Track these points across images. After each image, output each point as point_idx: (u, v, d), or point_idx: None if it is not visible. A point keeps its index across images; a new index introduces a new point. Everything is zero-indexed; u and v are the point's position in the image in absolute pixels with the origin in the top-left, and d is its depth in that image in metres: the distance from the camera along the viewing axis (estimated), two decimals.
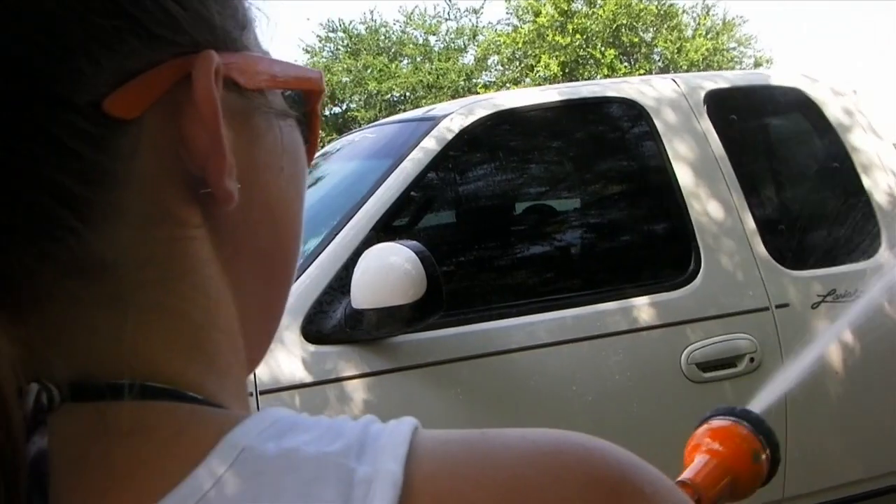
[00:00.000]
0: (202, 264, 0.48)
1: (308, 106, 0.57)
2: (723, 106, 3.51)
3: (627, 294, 3.11)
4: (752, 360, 3.08)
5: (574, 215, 3.60)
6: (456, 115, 3.21)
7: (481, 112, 3.24)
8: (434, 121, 3.22)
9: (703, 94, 3.48)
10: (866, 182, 3.49)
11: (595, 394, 2.94)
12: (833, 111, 3.59)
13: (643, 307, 3.07)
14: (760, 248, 3.24)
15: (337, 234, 2.87)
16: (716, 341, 3.07)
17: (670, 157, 3.29)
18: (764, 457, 0.99)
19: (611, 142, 3.59)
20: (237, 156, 0.49)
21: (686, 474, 1.01)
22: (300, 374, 2.67)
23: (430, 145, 3.10)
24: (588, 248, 3.47)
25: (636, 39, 26.12)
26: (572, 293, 3.14)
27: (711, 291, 3.14)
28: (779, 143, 3.97)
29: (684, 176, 3.28)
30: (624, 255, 3.40)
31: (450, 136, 3.13)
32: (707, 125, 3.39)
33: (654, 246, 3.40)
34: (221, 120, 0.47)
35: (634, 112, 3.41)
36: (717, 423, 1.00)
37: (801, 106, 3.65)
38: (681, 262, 3.21)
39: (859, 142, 3.56)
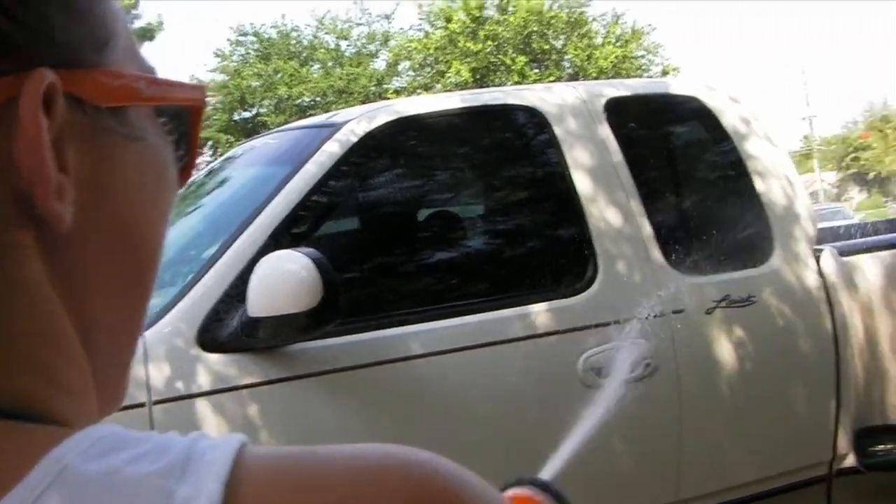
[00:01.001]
0: (33, 286, 0.47)
1: (186, 123, 0.55)
2: (622, 113, 3.55)
3: (527, 300, 3.12)
4: (647, 365, 3.12)
5: (476, 222, 3.61)
6: (358, 121, 3.19)
7: (384, 118, 3.22)
8: (336, 127, 3.20)
9: (603, 101, 3.51)
10: (760, 188, 3.56)
11: (494, 400, 2.95)
12: (730, 119, 3.67)
13: (542, 313, 3.09)
14: (657, 254, 3.29)
15: (234, 241, 2.83)
16: (612, 347, 3.10)
17: (570, 164, 3.31)
18: None
19: (512, 149, 3.61)
20: (81, 176, 0.47)
21: None
22: (195, 383, 2.62)
23: (332, 151, 3.07)
24: (489, 255, 3.48)
25: (547, 46, 26.46)
26: (472, 300, 3.14)
27: (608, 297, 3.17)
28: (677, 150, 4.04)
29: (583, 183, 3.30)
30: (524, 261, 3.41)
31: (352, 142, 3.10)
32: (607, 132, 3.42)
33: (554, 252, 3.41)
34: (46, 142, 0.45)
35: (535, 119, 3.42)
36: (510, 493, 1.04)
37: (698, 114, 3.72)
38: (579, 268, 3.24)
39: (755, 149, 3.64)
